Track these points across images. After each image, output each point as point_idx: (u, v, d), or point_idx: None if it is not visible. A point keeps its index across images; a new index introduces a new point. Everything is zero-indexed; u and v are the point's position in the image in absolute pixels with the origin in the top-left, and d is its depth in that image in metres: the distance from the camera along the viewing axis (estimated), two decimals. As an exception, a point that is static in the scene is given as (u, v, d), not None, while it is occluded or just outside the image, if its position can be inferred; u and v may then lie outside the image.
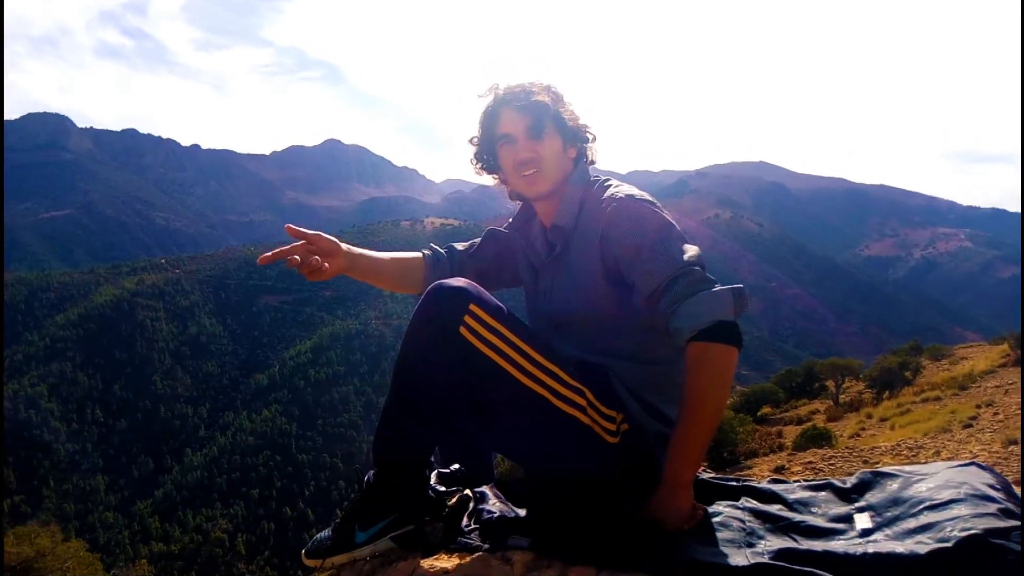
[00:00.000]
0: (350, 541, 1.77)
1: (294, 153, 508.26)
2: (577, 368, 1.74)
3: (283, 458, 77.74)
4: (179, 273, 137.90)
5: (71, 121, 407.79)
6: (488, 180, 2.08)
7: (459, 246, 2.19)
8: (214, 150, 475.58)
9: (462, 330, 1.62)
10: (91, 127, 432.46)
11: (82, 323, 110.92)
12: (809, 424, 13.51)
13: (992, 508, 1.42)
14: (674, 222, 1.76)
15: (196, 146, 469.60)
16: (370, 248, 2.01)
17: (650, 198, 1.81)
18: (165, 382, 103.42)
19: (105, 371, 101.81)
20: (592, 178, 1.94)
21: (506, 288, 2.22)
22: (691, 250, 1.69)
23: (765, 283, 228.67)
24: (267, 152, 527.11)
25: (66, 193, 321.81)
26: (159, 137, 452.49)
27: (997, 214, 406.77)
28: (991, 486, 1.52)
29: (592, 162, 1.99)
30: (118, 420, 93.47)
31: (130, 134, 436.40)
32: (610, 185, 1.89)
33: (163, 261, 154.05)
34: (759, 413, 19.06)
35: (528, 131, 1.87)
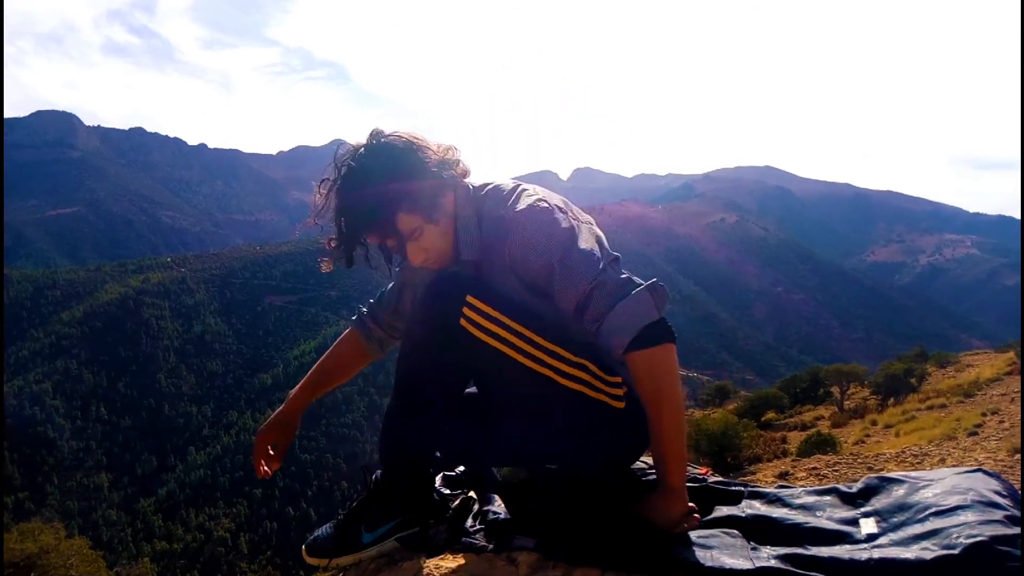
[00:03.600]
0: (356, 542, 1.78)
1: (300, 153, 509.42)
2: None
3: (286, 458, 77.40)
4: (184, 272, 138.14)
5: (78, 119, 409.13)
6: None
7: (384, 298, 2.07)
8: (220, 149, 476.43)
9: (462, 322, 1.61)
10: (99, 125, 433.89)
11: (87, 320, 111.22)
12: (813, 430, 13.48)
13: (999, 515, 1.41)
14: (578, 222, 1.67)
15: (203, 145, 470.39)
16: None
17: (545, 200, 1.69)
18: (169, 380, 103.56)
19: (110, 369, 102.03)
20: (474, 188, 1.76)
21: None
22: (597, 252, 1.62)
23: (770, 288, 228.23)
24: (273, 152, 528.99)
25: (73, 191, 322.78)
26: (166, 136, 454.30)
27: (1004, 221, 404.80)
28: (998, 493, 1.52)
29: (466, 173, 1.76)
30: (122, 418, 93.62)
31: (137, 132, 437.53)
32: (498, 192, 1.74)
33: (169, 259, 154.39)
34: (763, 418, 19.01)
35: (395, 247, 1.74)
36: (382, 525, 1.79)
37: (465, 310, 1.61)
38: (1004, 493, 1.53)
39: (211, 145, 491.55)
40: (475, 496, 1.87)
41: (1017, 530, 1.36)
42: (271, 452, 2.06)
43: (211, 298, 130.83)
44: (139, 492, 78.75)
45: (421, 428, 1.75)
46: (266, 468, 2.01)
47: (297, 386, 2.09)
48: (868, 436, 12.02)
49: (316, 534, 1.84)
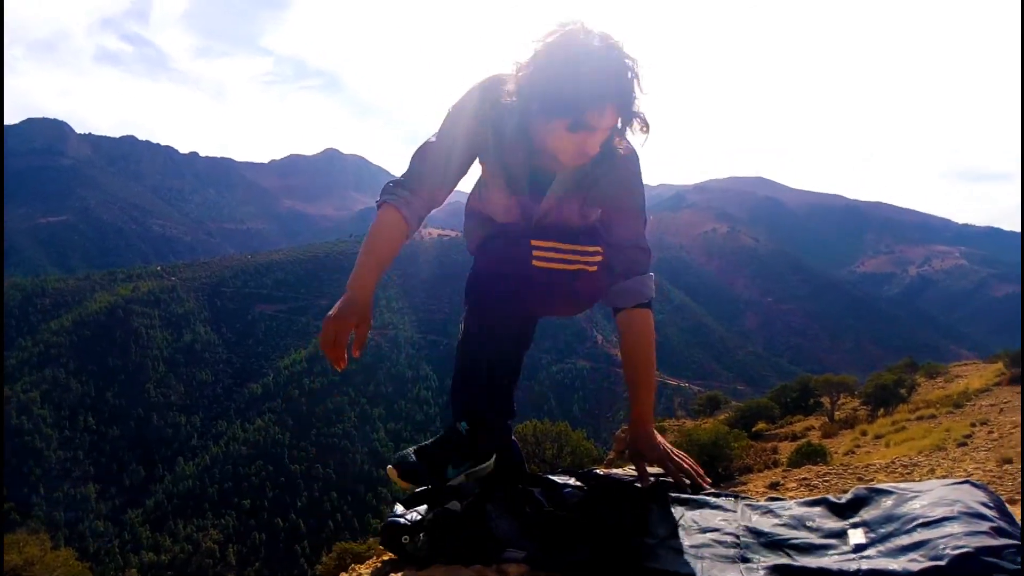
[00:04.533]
0: (443, 474, 1.98)
1: (292, 162, 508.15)
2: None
3: (275, 468, 77.33)
4: (174, 280, 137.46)
5: (69, 127, 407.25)
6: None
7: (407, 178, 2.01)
8: (212, 158, 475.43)
9: (535, 263, 1.88)
10: (90, 133, 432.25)
11: (76, 329, 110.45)
12: (804, 440, 13.51)
13: (985, 526, 1.44)
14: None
15: (194, 153, 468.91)
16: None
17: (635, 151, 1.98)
18: (158, 390, 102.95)
19: (98, 378, 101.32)
20: None
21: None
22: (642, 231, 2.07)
23: (761, 298, 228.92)
24: (265, 160, 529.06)
25: (63, 199, 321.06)
26: (157, 144, 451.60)
27: (992, 232, 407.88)
28: (984, 504, 1.55)
29: None
30: (110, 427, 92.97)
31: (128, 140, 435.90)
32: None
33: (159, 268, 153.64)
34: (754, 429, 19.04)
35: (612, 131, 1.82)
36: (462, 464, 2.00)
37: (535, 252, 1.88)
38: (991, 505, 1.55)
39: (203, 153, 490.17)
40: (460, 507, 1.86)
41: (1003, 541, 1.39)
42: (348, 340, 1.93)
43: (201, 307, 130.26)
44: (127, 503, 78.16)
45: (493, 391, 2.03)
46: (344, 356, 1.90)
47: (356, 269, 1.93)
48: (858, 446, 12.04)
49: (403, 455, 2.00)
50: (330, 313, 1.87)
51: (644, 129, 1.84)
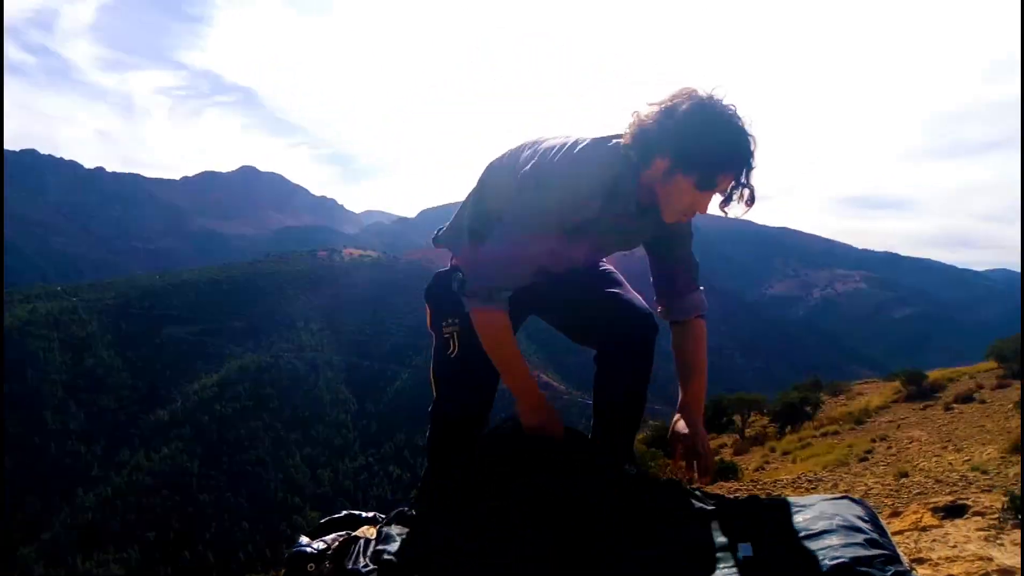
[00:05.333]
0: None
1: (206, 179, 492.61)
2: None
3: (183, 498, 74.21)
4: (76, 301, 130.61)
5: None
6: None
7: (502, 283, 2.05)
8: (119, 173, 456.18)
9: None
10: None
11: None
12: (717, 457, 13.81)
13: (860, 538, 1.57)
14: None
15: (100, 169, 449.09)
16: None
17: None
18: (56, 417, 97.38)
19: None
20: None
21: None
22: None
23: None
24: (177, 177, 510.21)
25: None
26: (60, 158, 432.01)
27: (890, 258, 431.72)
28: (860, 518, 1.68)
29: None
30: (3, 457, 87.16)
31: (30, 154, 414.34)
32: None
33: (59, 288, 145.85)
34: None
35: (718, 197, 1.96)
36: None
37: None
38: (866, 518, 1.69)
39: (109, 169, 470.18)
40: (365, 535, 1.87)
41: (875, 552, 1.51)
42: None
43: (104, 329, 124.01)
44: (22, 538, 73.39)
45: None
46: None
47: (518, 381, 2.15)
48: (767, 462, 12.43)
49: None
50: (527, 422, 2.16)
51: (749, 202, 1.92)
